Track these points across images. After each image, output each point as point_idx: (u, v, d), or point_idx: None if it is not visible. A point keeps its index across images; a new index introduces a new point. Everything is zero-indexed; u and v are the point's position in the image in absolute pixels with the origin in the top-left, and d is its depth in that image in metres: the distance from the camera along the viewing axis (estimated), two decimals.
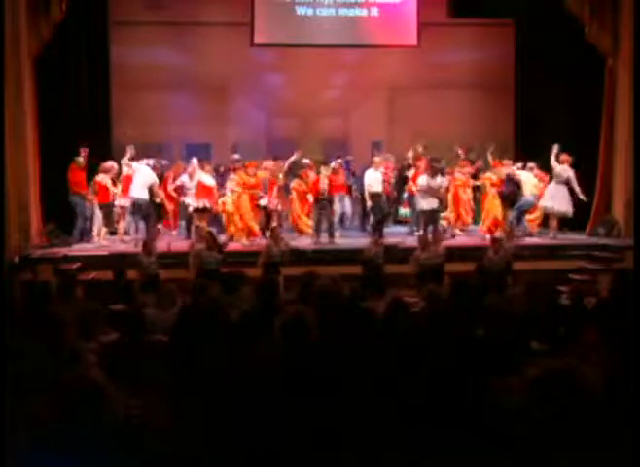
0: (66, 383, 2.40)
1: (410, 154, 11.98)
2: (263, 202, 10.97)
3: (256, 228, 10.74)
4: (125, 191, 10.64)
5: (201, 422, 2.66)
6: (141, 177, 10.42)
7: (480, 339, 3.87)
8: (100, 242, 10.48)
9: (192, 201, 10.72)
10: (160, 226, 11.17)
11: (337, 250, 10.23)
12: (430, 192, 10.44)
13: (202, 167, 10.98)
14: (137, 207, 10.41)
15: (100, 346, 4.05)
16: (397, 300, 4.43)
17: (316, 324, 3.24)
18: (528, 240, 10.69)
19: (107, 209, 10.63)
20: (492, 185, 11.20)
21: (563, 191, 10.66)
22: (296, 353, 3.13)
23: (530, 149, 11.86)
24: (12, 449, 2.30)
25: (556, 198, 10.67)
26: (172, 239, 10.80)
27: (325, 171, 10.79)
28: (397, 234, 11.31)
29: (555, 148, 10.56)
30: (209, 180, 10.78)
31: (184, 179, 11.20)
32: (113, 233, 10.96)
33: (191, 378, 3.07)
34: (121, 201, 10.75)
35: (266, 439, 2.58)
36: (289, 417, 2.66)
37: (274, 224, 10.52)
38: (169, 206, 11.62)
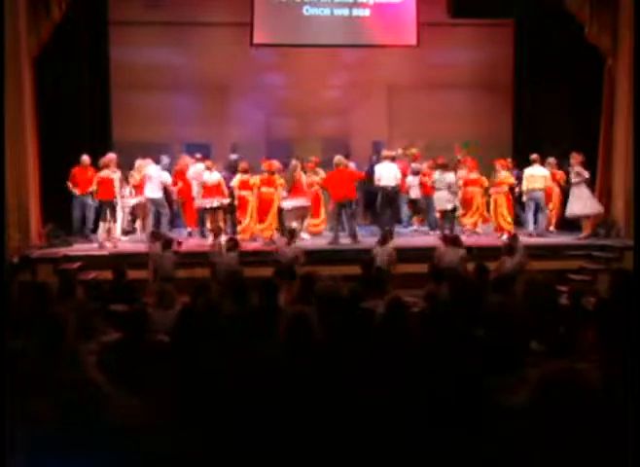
0: (66, 383, 2.40)
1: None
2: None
3: (262, 227, 10.61)
4: (138, 192, 11.02)
5: (202, 422, 2.66)
6: (154, 179, 10.76)
7: (479, 339, 3.88)
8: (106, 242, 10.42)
9: (199, 200, 10.91)
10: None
11: (337, 250, 10.19)
12: (444, 188, 10.58)
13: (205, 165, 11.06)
14: (154, 204, 10.82)
15: (100, 346, 4.05)
16: (397, 300, 4.43)
17: (317, 324, 3.24)
18: (527, 240, 10.68)
19: (110, 206, 10.51)
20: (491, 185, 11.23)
21: (587, 192, 10.69)
22: (296, 353, 3.13)
23: (530, 149, 11.84)
24: (12, 448, 2.30)
25: (588, 200, 10.69)
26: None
27: (316, 176, 10.97)
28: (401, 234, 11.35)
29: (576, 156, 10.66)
30: (211, 178, 10.84)
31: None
32: (128, 232, 11.32)
33: (191, 379, 3.06)
34: (131, 201, 11.13)
35: (266, 438, 2.58)
36: (289, 417, 2.66)
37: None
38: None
